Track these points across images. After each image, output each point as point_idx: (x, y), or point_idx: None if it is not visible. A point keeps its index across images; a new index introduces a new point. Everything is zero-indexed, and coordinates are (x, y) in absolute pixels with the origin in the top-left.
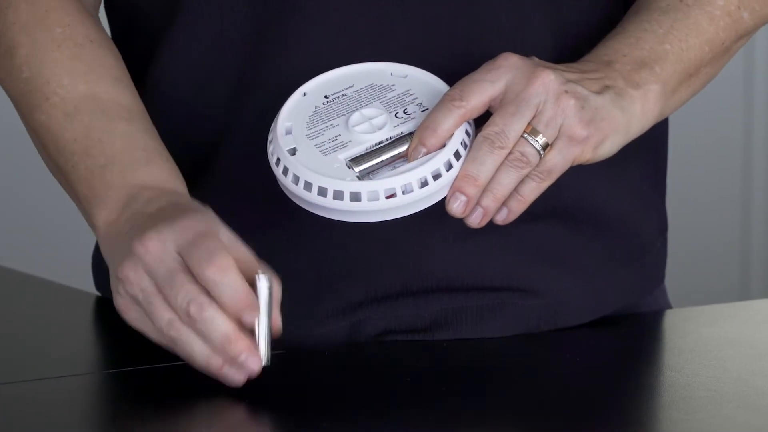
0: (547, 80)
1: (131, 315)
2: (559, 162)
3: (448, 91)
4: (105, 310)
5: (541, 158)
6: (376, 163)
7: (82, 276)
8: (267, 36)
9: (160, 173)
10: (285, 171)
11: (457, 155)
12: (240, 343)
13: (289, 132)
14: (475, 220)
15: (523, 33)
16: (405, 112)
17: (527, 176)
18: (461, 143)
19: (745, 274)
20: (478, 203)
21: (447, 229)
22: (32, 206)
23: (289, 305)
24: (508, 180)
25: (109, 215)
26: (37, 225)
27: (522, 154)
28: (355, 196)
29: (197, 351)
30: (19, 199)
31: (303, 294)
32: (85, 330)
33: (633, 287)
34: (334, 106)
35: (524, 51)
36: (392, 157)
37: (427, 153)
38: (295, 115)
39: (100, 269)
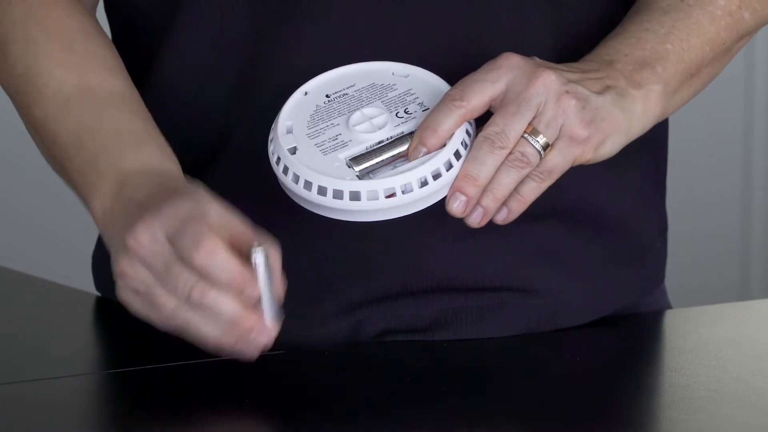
0: (548, 80)
1: (136, 306)
2: (559, 162)
3: (449, 90)
4: (105, 310)
5: (541, 158)
6: (377, 163)
7: (82, 276)
8: (267, 36)
9: (150, 155)
10: (285, 170)
11: (457, 155)
12: (247, 321)
13: (289, 131)
14: (475, 220)
15: (523, 33)
16: (406, 112)
17: (527, 176)
18: (461, 143)
19: (745, 274)
20: (478, 203)
21: (447, 229)
22: (32, 206)
23: (289, 305)
24: (508, 180)
25: (104, 204)
26: (37, 225)
27: (522, 155)
28: (355, 196)
29: (207, 334)
30: (19, 199)
31: (303, 294)
32: (85, 330)
33: (633, 287)
34: (335, 106)
35: (524, 51)
36: (392, 156)
37: (428, 153)
38: (296, 115)
39: (100, 269)
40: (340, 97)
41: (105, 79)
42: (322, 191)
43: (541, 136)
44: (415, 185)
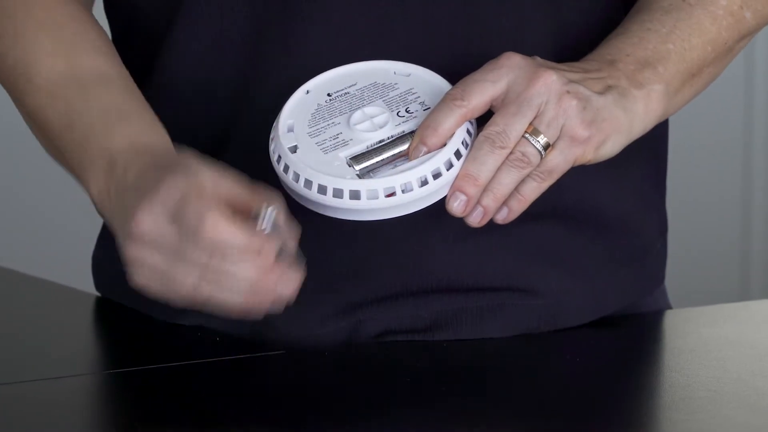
0: (549, 80)
1: (153, 289)
2: (560, 162)
3: (450, 90)
4: (105, 310)
5: (542, 158)
6: (377, 162)
7: (82, 276)
8: (267, 36)
9: (136, 130)
10: (286, 168)
11: (457, 154)
12: (269, 280)
13: (290, 130)
14: (475, 220)
15: (522, 33)
16: (407, 111)
17: (528, 176)
18: (462, 142)
19: (745, 274)
20: (478, 202)
21: (447, 229)
22: (32, 206)
23: (289, 305)
24: (508, 180)
25: (98, 186)
26: (37, 225)
27: (523, 154)
28: (355, 195)
29: (232, 303)
30: (19, 199)
31: (303, 294)
32: (85, 330)
33: (633, 288)
34: (336, 104)
35: (524, 51)
36: (393, 155)
37: (428, 152)
38: (297, 113)
39: (100, 269)
40: (341, 96)
41: (93, 61)
42: (322, 190)
43: (542, 136)
44: (415, 184)
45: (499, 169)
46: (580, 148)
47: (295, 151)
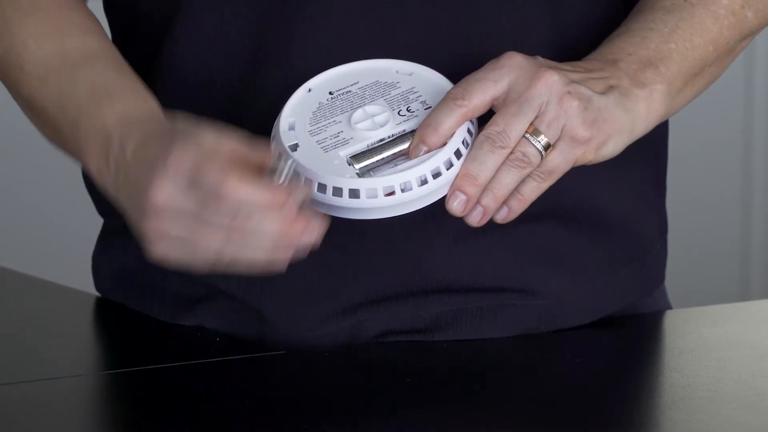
0: (551, 81)
1: (176, 257)
2: (560, 163)
3: (451, 89)
4: (105, 310)
5: (542, 158)
6: (377, 161)
7: (82, 276)
8: (267, 37)
9: (125, 104)
10: None
11: (458, 154)
12: (294, 228)
13: (291, 128)
14: (475, 219)
15: (522, 33)
16: (408, 110)
17: (528, 176)
18: (462, 142)
19: (745, 275)
20: (478, 202)
21: (447, 230)
22: (32, 206)
23: (289, 305)
24: (508, 180)
25: (97, 164)
26: (37, 225)
27: (523, 155)
28: (354, 193)
29: (260, 257)
30: (19, 199)
31: (303, 294)
32: (85, 330)
33: (633, 288)
34: (337, 103)
35: (524, 51)
36: (393, 154)
37: (428, 151)
38: (298, 111)
39: (100, 270)
40: (343, 94)
41: (79, 41)
42: (321, 188)
43: (542, 136)
44: (415, 184)
45: (499, 168)
46: (580, 148)
47: (295, 150)
